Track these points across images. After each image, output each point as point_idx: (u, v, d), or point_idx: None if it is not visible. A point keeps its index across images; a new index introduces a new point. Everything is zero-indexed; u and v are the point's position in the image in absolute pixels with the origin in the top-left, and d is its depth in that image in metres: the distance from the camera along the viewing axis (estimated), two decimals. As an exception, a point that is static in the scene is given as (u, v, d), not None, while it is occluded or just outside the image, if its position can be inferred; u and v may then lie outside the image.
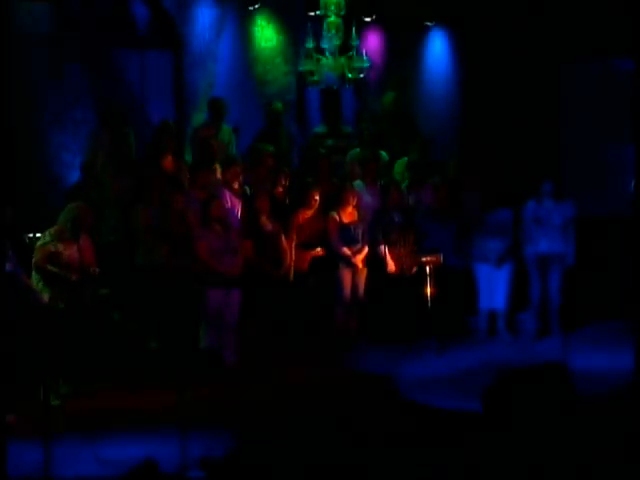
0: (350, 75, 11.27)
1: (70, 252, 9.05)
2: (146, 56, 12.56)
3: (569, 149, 13.50)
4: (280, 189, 11.24)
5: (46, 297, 9.04)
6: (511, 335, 11.11)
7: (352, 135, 12.76)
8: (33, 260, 9.07)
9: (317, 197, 10.99)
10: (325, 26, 11.20)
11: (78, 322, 9.34)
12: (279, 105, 12.32)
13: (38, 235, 9.30)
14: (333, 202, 11.07)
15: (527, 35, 13.11)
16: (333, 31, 11.13)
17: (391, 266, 10.98)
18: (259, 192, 10.88)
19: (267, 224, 10.67)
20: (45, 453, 7.00)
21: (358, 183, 11.61)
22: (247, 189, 11.24)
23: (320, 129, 12.82)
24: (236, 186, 11.07)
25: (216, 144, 11.49)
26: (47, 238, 9.08)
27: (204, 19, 12.72)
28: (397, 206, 11.20)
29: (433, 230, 11.17)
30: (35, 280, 9.06)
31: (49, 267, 9.01)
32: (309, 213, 11.02)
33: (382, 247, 10.98)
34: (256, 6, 12.76)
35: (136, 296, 10.76)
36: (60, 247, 9.02)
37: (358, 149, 12.27)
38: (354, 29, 11.23)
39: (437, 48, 13.67)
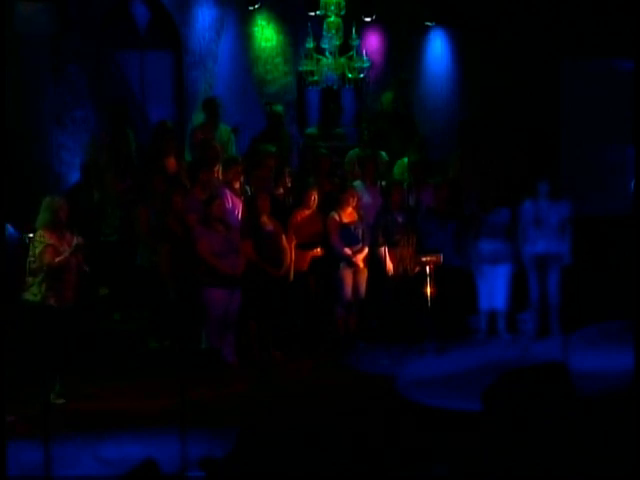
0: (350, 75, 11.26)
1: (63, 249, 9.02)
2: (146, 56, 12.58)
3: (569, 149, 13.50)
4: (281, 189, 11.24)
5: (52, 300, 9.00)
6: (511, 335, 11.11)
7: (345, 136, 12.75)
8: (41, 263, 8.95)
9: (315, 197, 10.99)
10: (325, 26, 11.19)
11: (78, 322, 9.33)
12: (279, 108, 12.33)
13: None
14: (333, 202, 11.07)
15: (527, 36, 13.12)
16: (333, 31, 11.12)
17: (390, 268, 10.98)
18: (260, 192, 10.88)
19: (268, 224, 10.67)
20: (45, 453, 6.99)
21: (358, 183, 11.61)
22: (247, 189, 11.25)
23: (311, 130, 12.84)
24: (237, 186, 11.07)
25: (217, 144, 11.49)
26: (44, 240, 8.99)
27: (204, 19, 12.74)
28: (399, 207, 11.19)
29: (433, 230, 11.16)
30: (35, 284, 9.00)
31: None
32: (307, 213, 11.01)
33: (382, 249, 10.97)
34: (256, 6, 12.77)
35: (136, 296, 10.78)
36: (58, 246, 9.00)
37: (357, 149, 12.28)
38: (354, 29, 11.23)
39: (437, 48, 13.67)
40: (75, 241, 9.04)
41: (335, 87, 11.66)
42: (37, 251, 8.97)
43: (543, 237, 10.97)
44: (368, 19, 12.79)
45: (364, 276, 11.05)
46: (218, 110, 11.94)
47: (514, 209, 11.11)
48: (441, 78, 13.68)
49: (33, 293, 9.00)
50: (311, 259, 10.97)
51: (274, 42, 13.09)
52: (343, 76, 11.26)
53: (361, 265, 10.99)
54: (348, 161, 12.21)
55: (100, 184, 11.17)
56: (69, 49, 12.07)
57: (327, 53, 11.25)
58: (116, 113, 11.65)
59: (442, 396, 8.74)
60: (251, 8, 12.79)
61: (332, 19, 11.15)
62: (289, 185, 11.34)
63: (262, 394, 9.44)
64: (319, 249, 10.98)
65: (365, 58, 11.31)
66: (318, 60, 11.25)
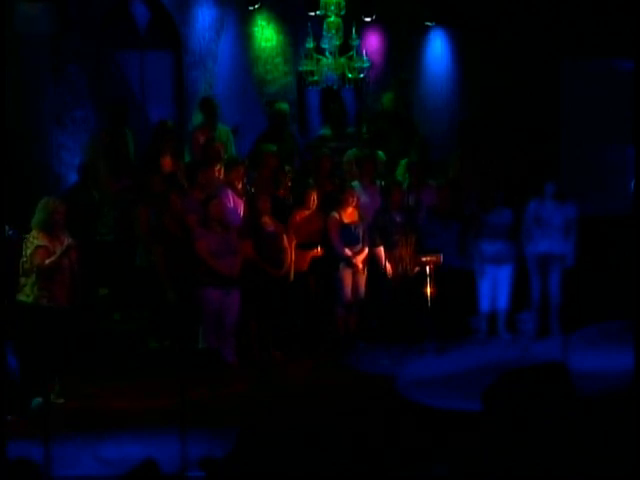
0: (350, 75, 11.25)
1: (55, 251, 9.02)
2: (146, 56, 12.57)
3: (569, 149, 13.50)
4: (282, 190, 11.24)
5: (44, 300, 8.99)
6: (511, 335, 11.11)
7: (354, 136, 12.75)
8: (31, 264, 8.96)
9: (315, 197, 10.98)
10: (325, 26, 11.18)
11: (75, 322, 9.33)
12: (284, 106, 12.30)
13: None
14: (334, 202, 11.07)
15: (527, 36, 13.10)
16: (333, 31, 11.11)
17: (389, 268, 10.97)
18: (261, 192, 10.88)
19: (269, 224, 10.67)
20: (45, 453, 6.99)
21: (355, 184, 11.59)
22: (249, 189, 11.23)
23: (325, 131, 12.81)
24: (239, 186, 11.07)
25: (218, 145, 11.48)
26: (36, 241, 8.99)
27: (204, 19, 12.73)
28: (399, 207, 11.18)
29: (436, 231, 11.14)
30: (28, 284, 9.00)
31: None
32: (306, 213, 11.01)
33: (379, 249, 10.98)
34: (256, 6, 12.76)
35: (136, 296, 10.77)
36: (51, 247, 9.00)
37: (355, 149, 12.26)
38: (354, 29, 11.22)
39: (437, 48, 13.65)
40: (66, 242, 9.04)
41: (335, 87, 11.65)
42: (28, 252, 8.97)
43: (547, 237, 10.99)
44: (368, 19, 12.76)
45: (363, 276, 11.04)
46: (216, 110, 11.91)
47: (515, 209, 11.12)
48: (441, 78, 13.66)
49: (26, 294, 8.99)
50: (311, 259, 10.97)
51: (274, 42, 13.08)
52: (343, 76, 11.25)
53: (360, 266, 10.98)
54: (346, 161, 12.19)
55: (97, 184, 11.18)
56: (69, 49, 12.07)
57: (327, 53, 11.24)
58: (116, 113, 11.64)
59: (442, 396, 8.75)
60: (251, 8, 12.77)
61: (332, 19, 11.14)
62: (288, 185, 11.33)
63: (262, 394, 9.45)
64: (319, 249, 10.98)
65: (365, 58, 11.30)
66: (318, 60, 11.24)
